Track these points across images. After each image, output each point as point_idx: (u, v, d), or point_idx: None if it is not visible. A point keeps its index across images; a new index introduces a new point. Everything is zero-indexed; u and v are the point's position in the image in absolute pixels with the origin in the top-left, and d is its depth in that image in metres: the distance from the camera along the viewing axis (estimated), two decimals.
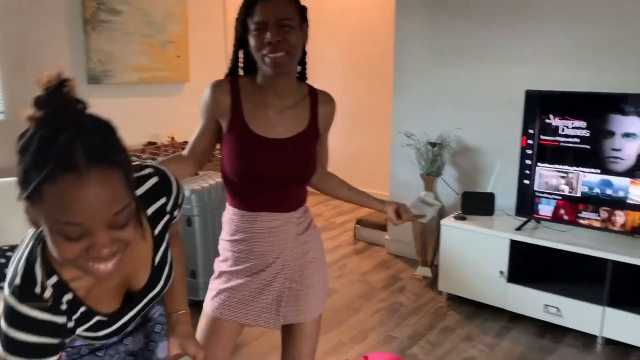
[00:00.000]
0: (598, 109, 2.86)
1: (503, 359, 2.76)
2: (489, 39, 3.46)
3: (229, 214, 1.64)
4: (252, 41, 1.47)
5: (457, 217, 3.36)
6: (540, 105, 3.02)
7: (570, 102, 2.95)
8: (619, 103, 2.79)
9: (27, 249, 0.96)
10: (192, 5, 4.52)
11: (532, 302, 3.04)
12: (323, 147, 1.74)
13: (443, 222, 3.36)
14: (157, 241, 1.12)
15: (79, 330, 1.04)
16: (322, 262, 1.74)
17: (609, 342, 2.89)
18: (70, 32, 3.74)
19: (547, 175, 3.06)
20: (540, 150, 3.06)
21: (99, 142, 0.83)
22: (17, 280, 0.92)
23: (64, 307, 0.96)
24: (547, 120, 3.01)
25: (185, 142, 4.20)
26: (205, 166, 1.72)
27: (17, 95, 3.50)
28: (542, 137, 3.04)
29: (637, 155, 2.77)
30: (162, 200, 1.11)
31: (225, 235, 1.66)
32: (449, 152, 3.71)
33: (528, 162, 3.11)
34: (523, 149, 3.12)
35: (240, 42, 1.54)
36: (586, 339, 2.94)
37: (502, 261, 3.10)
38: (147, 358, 1.38)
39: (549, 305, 2.98)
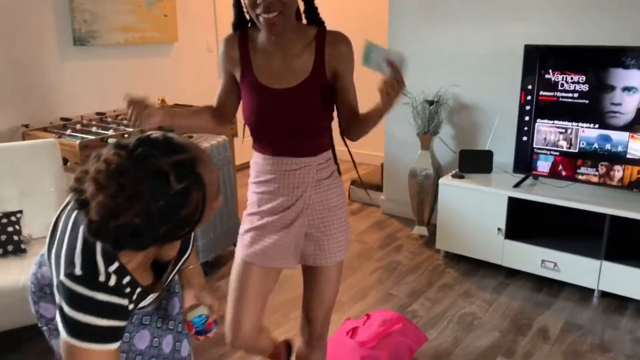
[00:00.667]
0: (598, 62, 2.81)
1: (501, 314, 2.79)
2: None
3: (254, 159, 1.69)
4: (245, 0, 1.45)
5: (454, 176, 3.34)
6: (539, 60, 2.97)
7: (570, 57, 2.89)
8: (619, 56, 2.75)
9: (80, 240, 1.00)
10: None
11: (530, 257, 3.06)
12: (347, 92, 1.61)
13: (441, 181, 3.34)
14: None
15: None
16: (342, 210, 1.73)
17: (605, 294, 2.93)
18: None
19: (546, 131, 3.03)
20: (539, 106, 3.02)
21: None
22: (78, 271, 0.96)
23: (127, 290, 1.00)
24: (547, 76, 2.96)
25: (177, 105, 4.11)
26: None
27: (1, 64, 3.37)
28: (541, 92, 3.00)
29: (637, 110, 2.74)
30: None
31: (250, 179, 1.72)
32: (446, 110, 3.67)
33: (526, 118, 3.07)
34: (521, 105, 3.08)
35: None
36: (583, 293, 2.98)
37: (500, 218, 3.10)
38: (162, 316, 1.36)
39: (546, 261, 3.00)
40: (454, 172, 3.38)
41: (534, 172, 3.12)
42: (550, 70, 2.95)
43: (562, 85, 2.92)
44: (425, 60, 3.72)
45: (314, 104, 1.56)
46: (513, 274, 3.19)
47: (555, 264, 2.98)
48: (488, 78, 3.48)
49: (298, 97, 1.54)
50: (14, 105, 3.47)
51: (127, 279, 1.02)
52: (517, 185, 3.12)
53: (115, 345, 0.98)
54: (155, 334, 1.32)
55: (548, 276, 3.04)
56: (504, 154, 3.45)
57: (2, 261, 2.50)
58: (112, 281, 0.97)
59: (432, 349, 2.50)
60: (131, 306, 1.04)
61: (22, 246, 2.58)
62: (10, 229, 2.59)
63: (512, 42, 3.31)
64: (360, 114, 1.62)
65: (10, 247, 2.55)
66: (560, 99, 2.95)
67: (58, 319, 0.96)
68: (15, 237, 2.58)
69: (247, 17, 1.59)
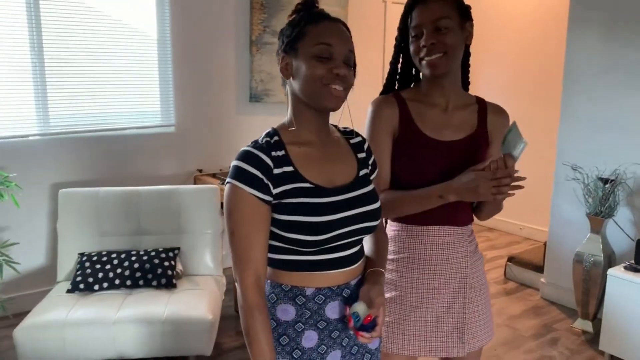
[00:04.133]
0: None
1: None
2: None
3: (393, 230, 1.58)
4: (411, 47, 1.48)
5: (628, 268, 2.87)
6: None
7: None
8: None
9: (266, 131, 1.27)
10: (353, 29, 4.56)
11: None
12: None
13: (611, 271, 2.90)
14: (360, 163, 1.34)
15: (286, 196, 1.19)
16: (487, 288, 1.61)
17: None
18: (237, 53, 4.02)
19: None
20: None
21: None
22: (255, 139, 1.25)
23: (274, 154, 1.20)
24: None
25: None
26: None
27: (186, 110, 3.85)
28: None
29: None
30: (360, 138, 1.39)
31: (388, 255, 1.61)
32: (625, 191, 3.20)
33: None
34: None
35: (399, 51, 1.56)
36: None
37: None
38: (338, 328, 1.28)
39: None
40: (627, 263, 2.91)
41: None
42: None
43: None
44: (601, 131, 3.32)
45: (481, 160, 1.46)
46: None
47: None
48: None
49: (465, 150, 1.48)
50: (194, 151, 3.91)
51: (280, 152, 1.21)
52: None
53: (257, 193, 1.17)
54: (325, 342, 1.26)
55: None
56: None
57: (153, 293, 2.75)
58: (263, 142, 1.21)
59: None
60: (278, 171, 1.19)
61: (174, 281, 2.82)
62: (166, 263, 2.86)
63: None
64: None
65: (163, 281, 2.80)
66: None
67: None
68: (170, 272, 2.83)
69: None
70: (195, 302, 2.66)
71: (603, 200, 3.16)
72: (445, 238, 1.50)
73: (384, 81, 1.62)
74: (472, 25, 1.48)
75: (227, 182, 1.19)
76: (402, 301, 1.52)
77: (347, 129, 1.39)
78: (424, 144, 1.47)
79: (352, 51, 1.23)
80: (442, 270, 1.50)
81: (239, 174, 1.17)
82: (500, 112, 1.57)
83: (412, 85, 1.60)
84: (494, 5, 5.13)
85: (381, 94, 1.59)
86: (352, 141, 1.36)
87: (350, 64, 1.22)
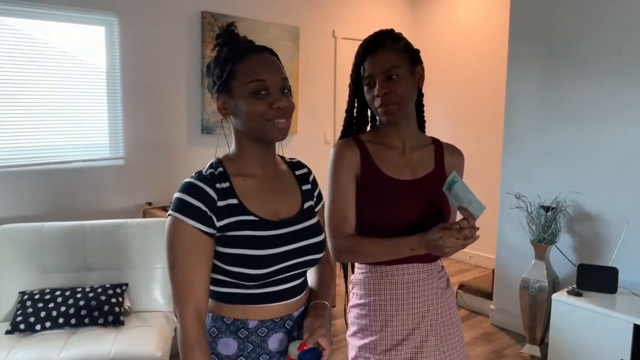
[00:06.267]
0: None
1: None
2: (609, 95, 3.13)
3: (361, 273, 1.56)
4: (366, 96, 1.52)
5: (571, 292, 2.98)
6: None
7: None
8: None
9: (210, 162, 1.28)
10: (304, 62, 4.66)
11: None
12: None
13: (555, 296, 3.00)
14: (305, 195, 1.34)
15: (230, 229, 1.17)
16: (460, 324, 1.61)
17: None
18: (188, 84, 4.01)
19: None
20: None
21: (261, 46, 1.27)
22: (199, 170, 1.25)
23: (218, 186, 1.19)
24: None
25: None
26: None
27: (136, 142, 3.79)
28: None
29: None
30: (305, 170, 1.41)
31: (356, 300, 1.57)
32: (565, 218, 3.35)
33: None
34: None
35: (354, 97, 1.60)
36: None
37: (624, 349, 2.67)
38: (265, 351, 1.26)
39: None
40: (570, 287, 3.02)
41: None
42: None
43: None
44: (542, 160, 3.49)
45: (442, 198, 1.49)
46: None
47: None
48: (615, 186, 3.15)
49: (425, 189, 1.51)
50: (143, 184, 3.84)
51: (224, 185, 1.21)
52: None
53: (200, 226, 1.15)
54: (245, 355, 1.23)
55: None
56: (633, 272, 3.02)
57: (100, 331, 2.65)
58: (207, 173, 1.21)
59: None
60: (221, 203, 1.18)
61: (121, 318, 2.73)
62: (114, 300, 2.77)
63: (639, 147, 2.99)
64: None
65: (110, 318, 2.70)
66: None
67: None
68: (117, 309, 2.74)
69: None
70: (143, 340, 2.57)
71: (545, 227, 3.29)
72: (415, 275, 1.50)
73: (342, 126, 1.65)
74: (422, 69, 1.53)
75: (169, 215, 1.17)
76: (377, 345, 1.50)
77: (294, 160, 1.40)
78: (386, 184, 1.50)
79: (285, 78, 1.24)
80: (414, 308, 1.49)
81: (182, 207, 1.16)
82: (456, 151, 1.63)
83: (368, 128, 1.64)
84: (438, 44, 5.36)
85: (340, 138, 1.62)
86: (297, 173, 1.37)
87: (287, 90, 1.24)
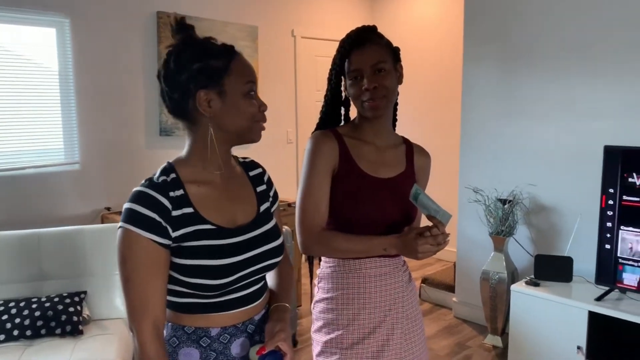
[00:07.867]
0: None
1: None
2: (564, 91, 3.22)
3: (329, 267, 1.55)
4: (350, 90, 1.51)
5: (529, 283, 3.06)
6: (622, 163, 2.73)
7: None
8: None
9: (162, 167, 1.23)
10: (263, 62, 4.64)
11: None
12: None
13: (513, 287, 3.08)
14: (260, 197, 1.32)
15: (186, 239, 1.14)
16: (422, 318, 1.63)
17: None
18: (145, 85, 3.94)
19: (632, 240, 2.72)
20: (623, 211, 2.74)
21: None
22: (149, 177, 1.19)
23: (172, 194, 1.14)
24: (630, 179, 2.70)
25: None
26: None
27: (92, 146, 3.70)
28: (624, 197, 2.73)
29: None
30: (260, 170, 1.38)
31: (322, 294, 1.56)
32: (522, 211, 3.44)
33: (609, 224, 2.79)
34: (603, 210, 2.81)
35: (334, 92, 1.57)
36: None
37: (580, 335, 2.76)
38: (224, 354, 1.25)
39: None
40: (528, 278, 3.10)
41: (619, 285, 2.78)
42: (634, 174, 2.69)
43: None
44: (498, 155, 3.57)
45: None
46: None
47: None
48: (568, 178, 3.25)
49: (398, 188, 1.52)
50: (101, 189, 3.75)
51: (179, 192, 1.17)
52: (599, 299, 2.78)
53: (154, 237, 1.11)
54: None
55: None
56: (586, 261, 3.12)
57: (57, 342, 2.57)
58: (160, 180, 1.17)
59: None
60: (176, 213, 1.14)
61: (80, 327, 2.66)
62: (71, 309, 2.69)
63: (594, 141, 3.09)
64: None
65: (68, 328, 2.63)
66: None
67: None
68: (75, 318, 2.67)
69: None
70: (103, 348, 2.52)
71: (503, 220, 3.37)
72: (381, 269, 1.51)
73: (318, 119, 1.63)
74: (401, 67, 1.56)
75: (120, 227, 1.12)
76: (344, 339, 1.50)
77: (247, 160, 1.38)
78: (362, 180, 1.50)
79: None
80: (380, 302, 1.50)
81: (134, 217, 1.10)
82: (424, 153, 1.66)
83: (342, 124, 1.64)
84: (397, 44, 5.38)
85: (316, 130, 1.59)
86: (251, 174, 1.35)
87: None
